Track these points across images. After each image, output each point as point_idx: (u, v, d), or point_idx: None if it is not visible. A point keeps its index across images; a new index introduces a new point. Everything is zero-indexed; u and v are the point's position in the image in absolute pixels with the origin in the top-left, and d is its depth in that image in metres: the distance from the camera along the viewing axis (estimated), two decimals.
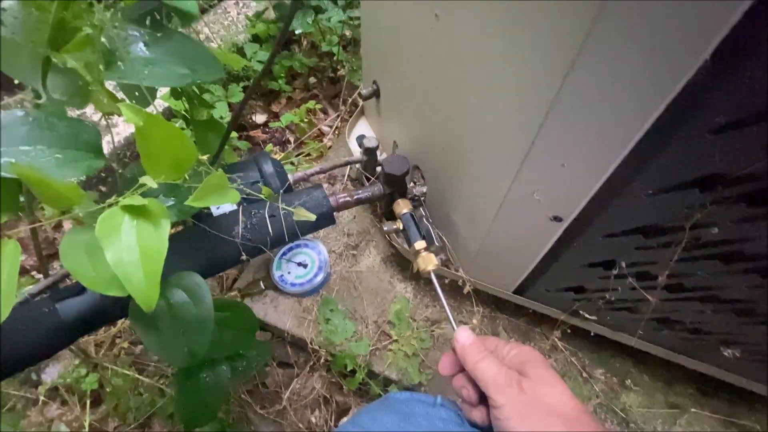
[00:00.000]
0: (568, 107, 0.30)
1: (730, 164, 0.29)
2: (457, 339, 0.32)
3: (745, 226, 0.32)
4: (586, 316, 0.54)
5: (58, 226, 0.82)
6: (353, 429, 0.36)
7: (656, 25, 0.24)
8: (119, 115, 0.34)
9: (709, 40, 0.23)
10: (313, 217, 0.41)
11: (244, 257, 0.49)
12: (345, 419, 0.66)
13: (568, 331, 0.61)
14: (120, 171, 0.38)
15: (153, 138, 0.29)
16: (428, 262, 0.50)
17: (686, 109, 0.27)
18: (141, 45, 0.34)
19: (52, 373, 0.68)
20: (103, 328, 0.71)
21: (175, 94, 0.54)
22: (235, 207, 0.51)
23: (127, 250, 0.30)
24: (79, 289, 0.42)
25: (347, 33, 1.08)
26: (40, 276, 0.74)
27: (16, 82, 0.32)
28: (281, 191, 0.54)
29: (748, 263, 0.35)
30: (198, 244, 0.47)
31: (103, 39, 0.31)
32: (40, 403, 0.65)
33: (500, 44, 0.33)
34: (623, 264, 0.42)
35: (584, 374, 0.63)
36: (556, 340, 0.64)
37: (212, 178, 0.31)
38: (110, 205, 0.30)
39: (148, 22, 0.33)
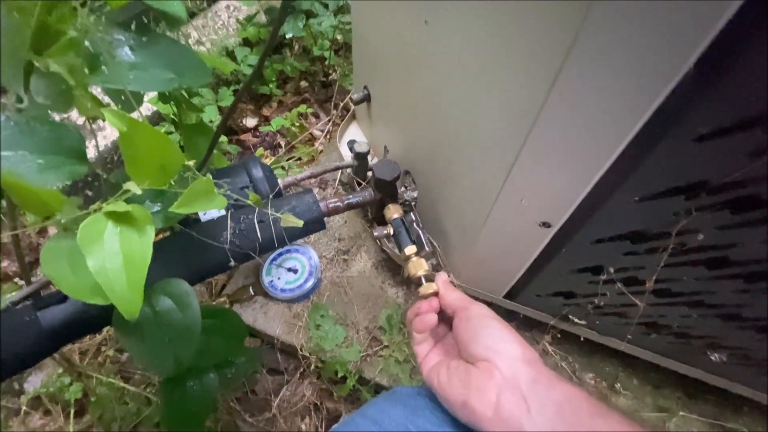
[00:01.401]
0: (555, 115, 0.30)
1: (715, 172, 0.29)
2: (440, 276, 0.43)
3: (729, 232, 0.32)
4: (576, 320, 0.54)
5: (42, 232, 0.80)
6: (362, 421, 0.36)
7: (641, 34, 0.24)
8: (104, 120, 0.33)
9: (693, 48, 0.23)
10: (300, 223, 0.41)
11: (232, 263, 0.48)
12: (336, 426, 0.65)
13: (558, 335, 0.62)
14: (106, 176, 0.37)
15: (137, 143, 0.29)
16: (419, 267, 0.50)
17: (671, 117, 0.27)
18: (126, 49, 0.33)
19: (34, 382, 0.66)
20: (88, 336, 0.69)
21: (163, 98, 0.54)
22: (223, 212, 0.51)
23: (109, 257, 0.29)
24: (62, 297, 0.41)
25: (338, 37, 1.08)
26: (23, 283, 0.72)
27: None
28: (271, 196, 0.54)
29: (733, 269, 0.35)
30: (185, 251, 0.47)
31: (87, 43, 0.31)
32: (22, 413, 0.63)
33: (488, 52, 0.33)
34: (611, 269, 0.42)
35: (575, 378, 0.63)
36: (546, 344, 0.64)
37: (198, 183, 0.31)
38: (93, 212, 0.30)
39: (133, 27, 0.32)
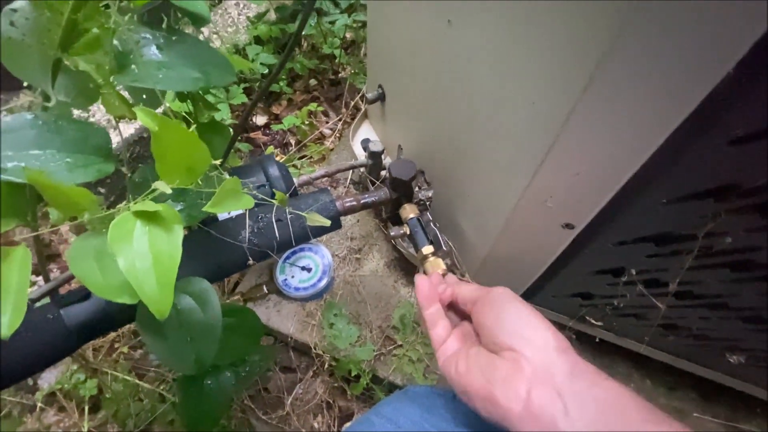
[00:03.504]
0: (586, 117, 0.29)
1: (747, 175, 0.29)
2: (451, 277, 0.41)
3: (757, 235, 0.32)
4: (593, 322, 0.54)
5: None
6: (377, 420, 0.36)
7: (681, 36, 0.24)
8: (131, 119, 0.33)
9: (735, 51, 0.23)
10: (327, 223, 0.41)
11: (251, 262, 0.48)
12: (348, 424, 0.65)
13: (573, 336, 0.61)
14: (129, 175, 0.37)
15: (168, 142, 0.29)
16: (436, 266, 0.50)
17: (706, 120, 0.27)
18: (153, 48, 0.33)
19: (49, 378, 0.66)
20: None
21: (181, 96, 0.53)
22: (241, 211, 0.51)
23: (139, 256, 0.29)
24: (84, 295, 0.41)
25: (348, 35, 1.08)
26: (38, 279, 0.73)
27: (24, 84, 0.32)
28: (287, 195, 0.54)
29: (758, 272, 0.35)
30: (204, 249, 0.47)
31: (115, 41, 0.31)
32: (38, 409, 0.64)
33: (517, 53, 0.33)
34: (633, 271, 0.42)
35: None
36: None
37: (227, 183, 0.31)
38: (121, 211, 0.30)
39: (164, 25, 0.32)
